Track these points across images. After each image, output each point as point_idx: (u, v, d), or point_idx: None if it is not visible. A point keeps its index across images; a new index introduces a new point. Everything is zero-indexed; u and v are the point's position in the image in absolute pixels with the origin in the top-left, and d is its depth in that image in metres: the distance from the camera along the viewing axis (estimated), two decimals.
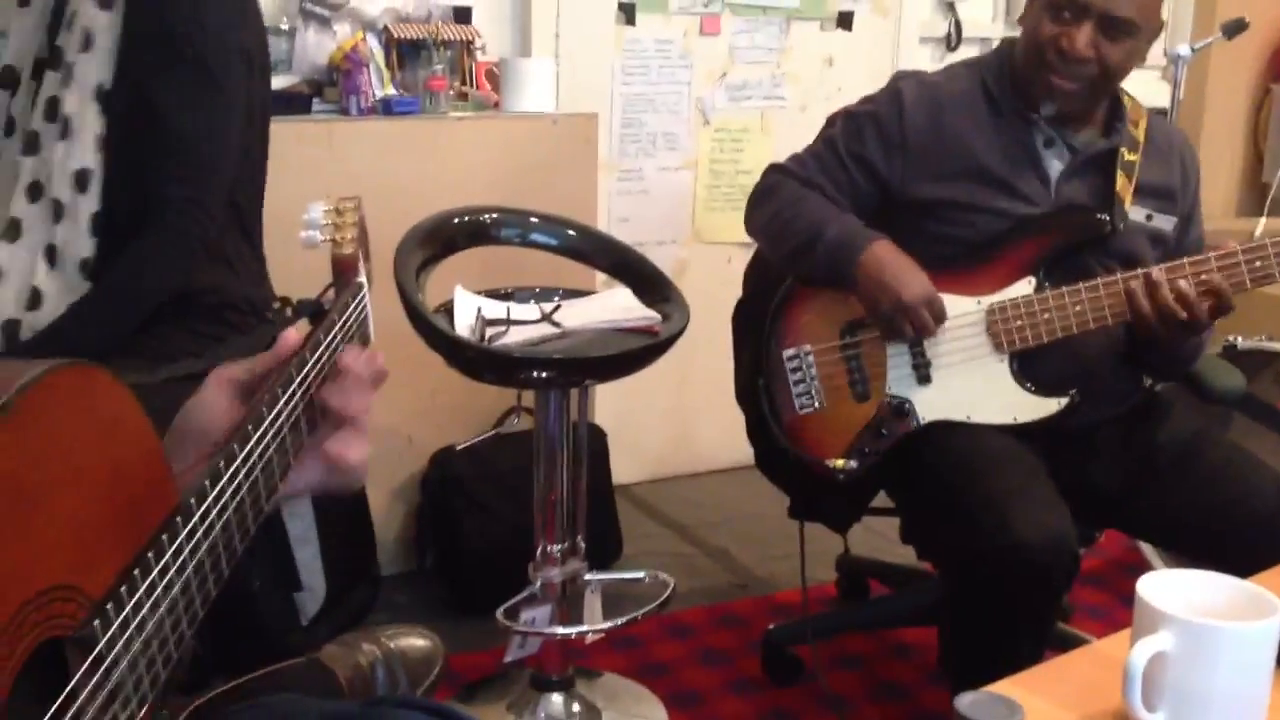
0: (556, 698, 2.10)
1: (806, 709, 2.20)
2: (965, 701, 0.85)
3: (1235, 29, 2.62)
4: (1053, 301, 1.80)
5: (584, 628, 2.07)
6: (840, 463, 1.90)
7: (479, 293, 2.07)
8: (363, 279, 1.04)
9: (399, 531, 2.69)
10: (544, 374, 1.90)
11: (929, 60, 3.43)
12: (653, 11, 3.08)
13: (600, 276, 2.32)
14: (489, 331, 1.95)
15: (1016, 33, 1.93)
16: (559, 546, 2.06)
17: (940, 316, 1.82)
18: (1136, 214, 1.85)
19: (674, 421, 3.32)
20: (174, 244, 1.65)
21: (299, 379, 0.85)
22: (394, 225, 2.01)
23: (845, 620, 2.42)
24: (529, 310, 2.02)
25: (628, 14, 3.05)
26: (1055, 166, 1.88)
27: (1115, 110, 1.89)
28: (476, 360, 1.92)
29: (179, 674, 0.79)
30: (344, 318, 0.96)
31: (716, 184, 3.26)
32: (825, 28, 3.30)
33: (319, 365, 0.88)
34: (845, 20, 3.31)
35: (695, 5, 3.12)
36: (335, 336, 0.93)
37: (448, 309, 2.02)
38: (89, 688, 0.58)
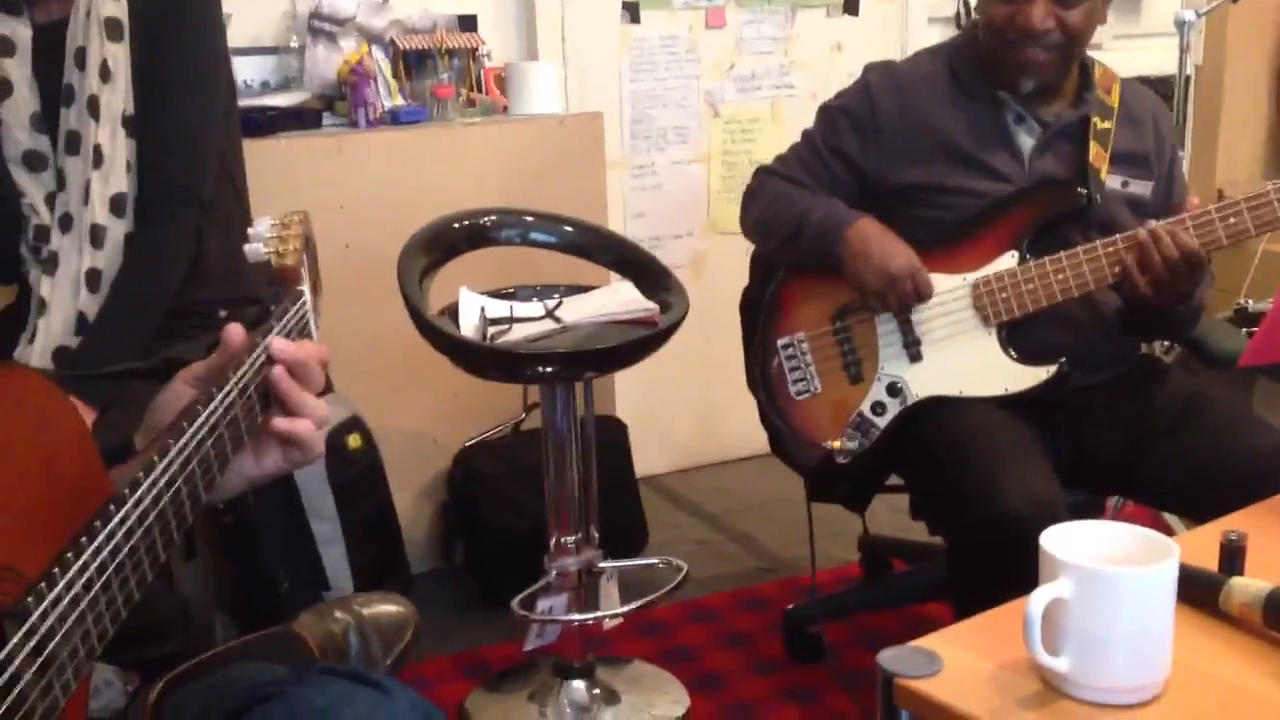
0: (578, 684, 2.15)
1: (825, 686, 2.23)
2: (887, 655, 0.89)
3: None
4: (1035, 272, 1.82)
5: (599, 614, 2.12)
6: (838, 444, 1.93)
7: (485, 293, 2.13)
8: (303, 287, 1.10)
9: (428, 529, 2.76)
10: (545, 369, 1.95)
11: (939, 39, 3.43)
12: (658, 8, 3.12)
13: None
14: (492, 330, 2.00)
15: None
16: (572, 537, 2.11)
17: (926, 288, 1.84)
18: (1113, 182, 1.86)
19: (699, 412, 3.35)
20: (176, 238, 1.75)
21: (234, 378, 0.91)
22: (407, 232, 2.07)
23: (857, 599, 2.44)
24: (532, 308, 2.07)
25: (632, 12, 3.10)
26: (1027, 142, 1.90)
27: (1084, 80, 1.91)
28: (479, 359, 1.98)
29: None
30: (283, 322, 1.03)
31: (730, 175, 3.29)
32: (831, 14, 3.32)
33: (255, 365, 0.94)
34: (851, 5, 3.33)
35: (699, 0, 3.16)
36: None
37: (453, 311, 2.07)
38: (22, 656, 0.64)
